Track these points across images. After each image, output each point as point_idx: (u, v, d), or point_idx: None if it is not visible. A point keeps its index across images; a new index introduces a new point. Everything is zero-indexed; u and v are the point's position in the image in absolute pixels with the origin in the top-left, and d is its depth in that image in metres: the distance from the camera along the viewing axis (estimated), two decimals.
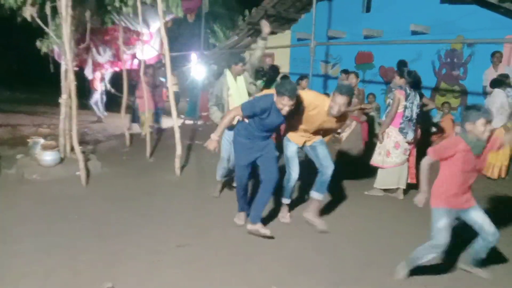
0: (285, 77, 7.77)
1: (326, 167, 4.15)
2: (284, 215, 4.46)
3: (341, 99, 3.76)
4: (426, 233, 4.23)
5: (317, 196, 4.22)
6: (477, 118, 2.96)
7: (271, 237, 3.87)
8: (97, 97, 11.57)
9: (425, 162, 3.17)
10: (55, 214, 4.33)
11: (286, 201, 4.44)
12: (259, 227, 3.88)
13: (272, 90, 3.87)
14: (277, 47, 10.68)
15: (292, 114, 3.81)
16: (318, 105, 3.94)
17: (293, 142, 4.24)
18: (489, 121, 2.96)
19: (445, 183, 3.14)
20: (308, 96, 3.98)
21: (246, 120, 3.92)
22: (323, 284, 3.19)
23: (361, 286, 3.20)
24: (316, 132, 4.20)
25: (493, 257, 3.50)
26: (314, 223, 4.18)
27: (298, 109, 3.85)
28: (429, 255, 3.16)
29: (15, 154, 6.29)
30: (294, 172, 4.27)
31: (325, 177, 4.16)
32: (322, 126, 4.09)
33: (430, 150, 3.20)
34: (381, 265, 3.54)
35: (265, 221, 4.34)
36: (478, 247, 3.24)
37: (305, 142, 4.24)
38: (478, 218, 3.17)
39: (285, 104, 3.61)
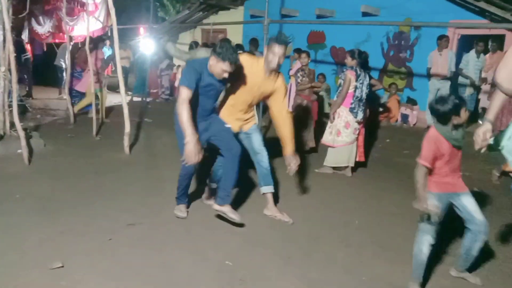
0: (225, 40, 7.47)
1: (261, 155, 3.93)
2: (208, 197, 4.17)
3: (280, 49, 3.50)
4: (372, 208, 4.46)
5: (267, 189, 4.00)
6: (460, 108, 2.81)
7: (240, 225, 3.65)
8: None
9: (419, 172, 2.85)
10: None
11: (214, 185, 4.09)
12: (227, 209, 3.60)
13: None
14: (230, 23, 10.53)
15: (229, 81, 3.55)
16: (253, 63, 3.66)
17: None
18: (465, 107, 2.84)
19: (435, 174, 2.93)
20: (242, 58, 3.62)
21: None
22: (276, 258, 3.26)
23: (312, 259, 3.30)
24: (253, 106, 3.92)
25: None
26: (278, 218, 3.97)
27: (235, 74, 3.52)
28: (424, 244, 2.93)
29: None
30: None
31: (265, 167, 3.95)
32: (260, 91, 3.73)
33: (419, 159, 2.86)
34: (330, 239, 3.67)
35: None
36: (468, 243, 3.00)
37: (241, 128, 3.91)
38: (468, 203, 2.96)
39: (225, 70, 3.32)
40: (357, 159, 5.62)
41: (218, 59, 3.31)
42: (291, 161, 3.85)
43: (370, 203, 4.64)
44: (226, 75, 3.37)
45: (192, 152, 3.24)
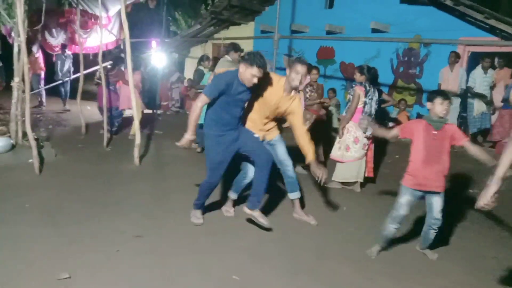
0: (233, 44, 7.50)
1: (286, 165, 4.18)
2: (228, 209, 4.35)
3: (302, 68, 3.75)
4: (381, 224, 4.42)
5: (294, 196, 4.30)
6: (434, 98, 3.39)
7: (269, 229, 3.89)
8: (41, 79, 10.72)
9: (391, 134, 3.79)
10: (6, 203, 4.13)
11: (233, 196, 4.30)
12: (258, 214, 3.86)
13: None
14: (240, 38, 10.61)
15: (252, 92, 3.71)
16: (275, 80, 3.89)
17: None
18: (445, 100, 3.36)
19: (411, 162, 3.54)
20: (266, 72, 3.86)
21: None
22: (281, 273, 3.24)
23: (318, 275, 3.27)
24: (272, 119, 4.05)
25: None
26: (306, 221, 4.29)
27: (258, 86, 3.71)
28: (390, 226, 3.62)
29: None
30: (251, 170, 4.03)
31: (290, 175, 4.20)
32: (278, 106, 3.91)
33: (398, 127, 3.74)
34: (336, 255, 3.63)
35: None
36: (425, 229, 3.63)
37: (264, 137, 4.08)
38: (435, 202, 3.49)
39: (254, 75, 3.49)
40: (366, 175, 5.59)
41: (247, 65, 3.48)
42: (316, 170, 3.83)
43: (378, 219, 4.58)
44: (255, 80, 3.52)
45: (186, 142, 3.65)
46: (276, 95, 3.87)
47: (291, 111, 3.94)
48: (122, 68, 7.90)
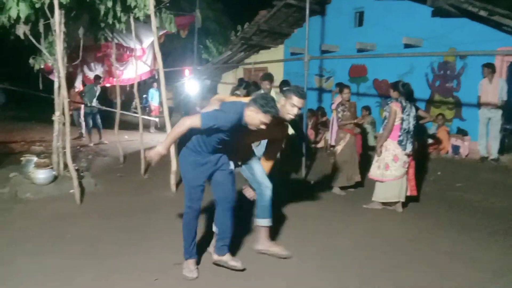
0: (285, 82, 7.36)
1: (266, 186, 3.76)
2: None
3: (299, 102, 3.41)
4: (426, 246, 4.21)
5: (263, 223, 3.81)
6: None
7: (241, 270, 3.45)
8: (81, 112, 10.82)
9: None
10: (49, 234, 4.23)
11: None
12: (227, 258, 3.48)
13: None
14: (271, 61, 10.73)
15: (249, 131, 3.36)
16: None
17: None
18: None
19: None
20: None
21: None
22: None
23: None
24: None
25: None
26: (273, 253, 3.80)
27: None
28: None
29: (7, 172, 6.17)
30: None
31: (266, 199, 3.76)
32: (268, 134, 3.63)
33: None
34: (382, 282, 3.46)
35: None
36: None
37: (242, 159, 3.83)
38: None
39: (263, 122, 3.18)
40: (409, 193, 5.38)
41: (259, 110, 3.16)
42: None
43: (423, 241, 4.39)
44: (263, 126, 3.22)
45: (155, 156, 3.23)
46: (271, 124, 3.35)
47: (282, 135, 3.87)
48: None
